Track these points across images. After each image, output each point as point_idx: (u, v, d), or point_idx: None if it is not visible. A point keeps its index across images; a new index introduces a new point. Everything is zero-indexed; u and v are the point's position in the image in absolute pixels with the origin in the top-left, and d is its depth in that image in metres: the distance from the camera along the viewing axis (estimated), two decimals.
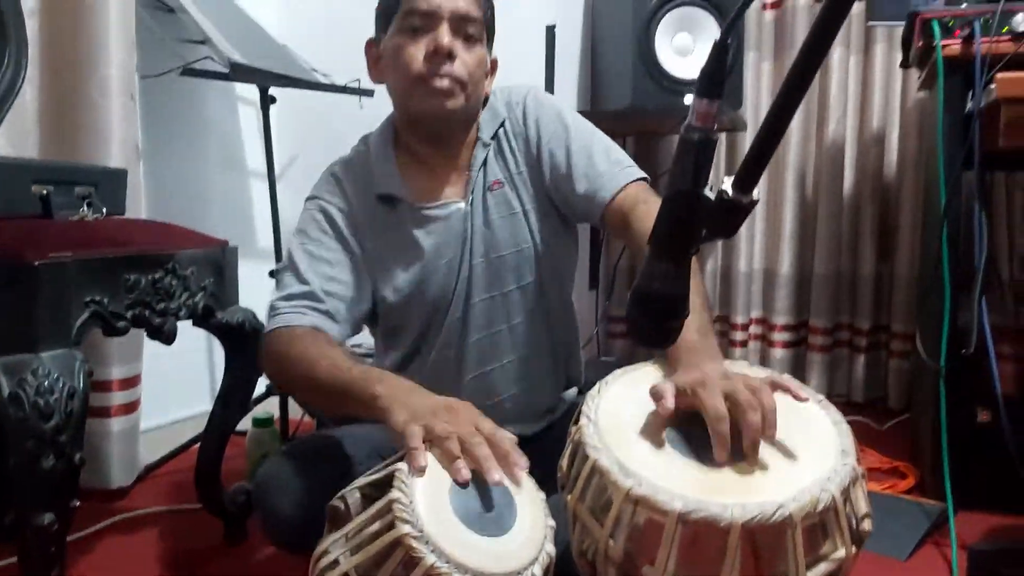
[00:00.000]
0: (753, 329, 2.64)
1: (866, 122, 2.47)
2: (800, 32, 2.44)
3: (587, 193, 1.26)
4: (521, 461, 0.97)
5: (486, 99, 1.35)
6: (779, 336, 2.58)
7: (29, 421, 0.97)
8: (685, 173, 0.68)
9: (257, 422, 1.83)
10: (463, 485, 0.92)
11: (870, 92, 2.45)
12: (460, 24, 1.23)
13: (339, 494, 0.96)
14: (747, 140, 2.54)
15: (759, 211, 2.59)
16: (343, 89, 2.07)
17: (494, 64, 1.34)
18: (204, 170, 2.21)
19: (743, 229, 2.53)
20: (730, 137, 2.58)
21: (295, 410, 2.14)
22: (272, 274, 2.04)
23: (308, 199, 1.34)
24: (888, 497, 1.69)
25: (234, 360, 1.50)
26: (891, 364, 2.49)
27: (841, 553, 0.90)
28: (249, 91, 2.29)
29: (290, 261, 1.28)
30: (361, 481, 0.97)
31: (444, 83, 1.23)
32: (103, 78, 1.64)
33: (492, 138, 1.32)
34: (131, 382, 1.82)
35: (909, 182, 2.42)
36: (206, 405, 2.21)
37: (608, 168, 1.27)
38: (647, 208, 1.20)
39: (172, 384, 2.06)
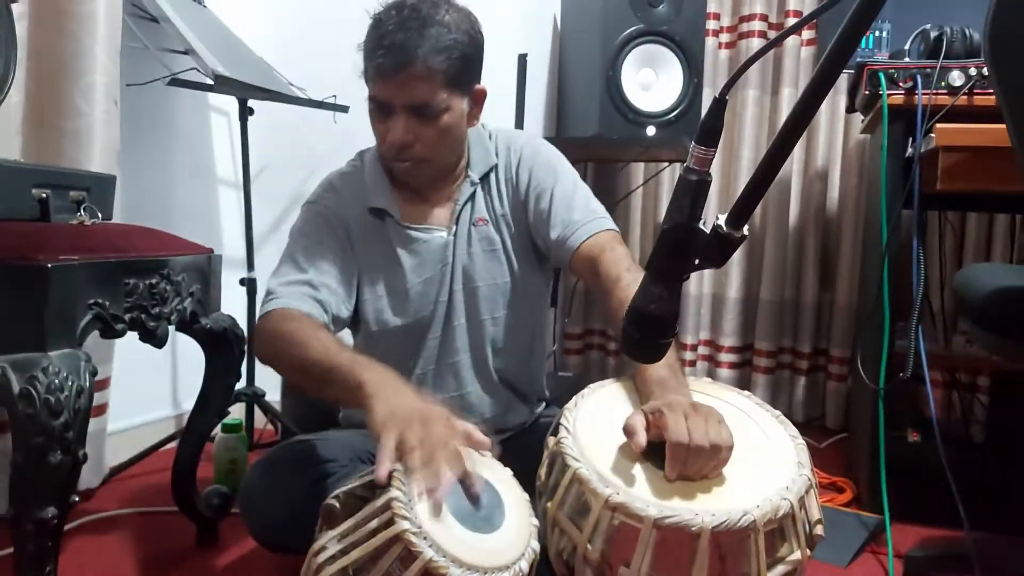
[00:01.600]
0: (701, 350, 2.76)
1: (811, 160, 2.64)
2: (753, 70, 2.60)
3: (559, 239, 1.35)
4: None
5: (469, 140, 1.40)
6: (726, 357, 2.71)
7: (39, 417, 1.00)
8: (682, 208, 0.77)
9: (226, 427, 1.85)
10: (419, 494, 0.93)
11: (815, 132, 2.61)
12: (415, 110, 1.26)
13: (333, 494, 1.01)
14: None
15: None
16: (320, 104, 2.13)
17: (481, 95, 1.35)
18: (174, 177, 2.23)
19: None
20: None
21: (260, 419, 2.17)
22: (243, 282, 2.09)
23: (306, 203, 1.41)
24: (828, 509, 1.81)
25: (215, 365, 1.53)
26: (829, 386, 2.64)
27: (797, 556, 1.00)
28: (220, 101, 2.33)
29: (289, 254, 1.34)
30: (354, 482, 1.02)
31: (405, 166, 1.31)
32: (88, 85, 1.66)
33: (481, 178, 1.40)
34: (101, 384, 1.82)
35: (849, 217, 2.58)
36: (168, 410, 2.23)
37: (582, 217, 1.35)
38: (613, 255, 1.27)
39: (134, 389, 2.06)
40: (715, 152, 0.75)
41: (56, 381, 1.02)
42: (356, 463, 1.28)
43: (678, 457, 0.95)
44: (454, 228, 1.38)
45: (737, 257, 2.66)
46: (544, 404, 1.57)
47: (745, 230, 0.75)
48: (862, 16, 0.61)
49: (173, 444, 1.95)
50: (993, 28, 1.01)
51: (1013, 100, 1.00)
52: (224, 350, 1.51)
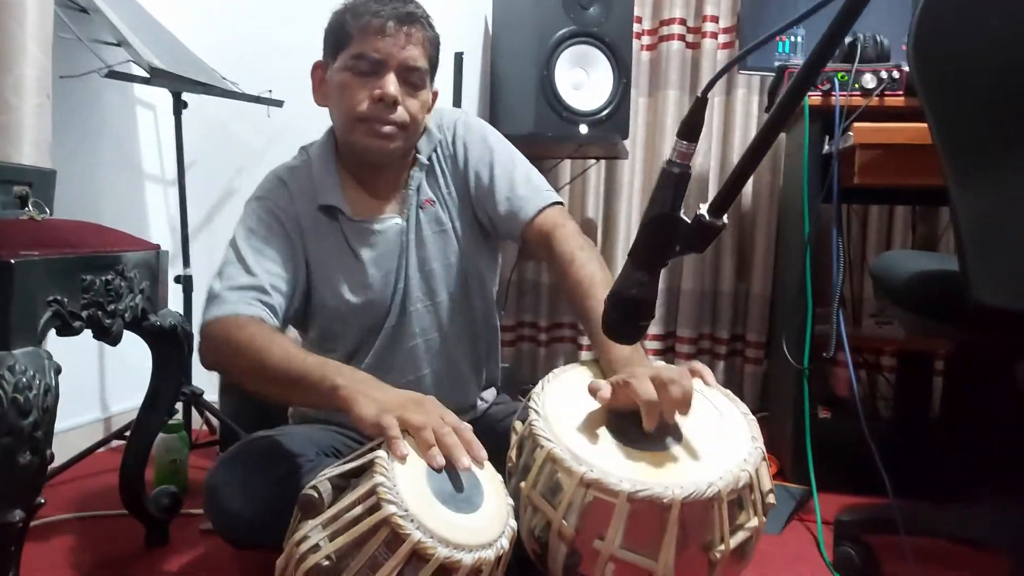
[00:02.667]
0: None
1: (727, 157, 2.77)
2: (673, 71, 2.70)
3: (508, 213, 1.37)
4: (483, 451, 1.07)
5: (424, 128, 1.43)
6: (650, 344, 2.81)
7: (7, 417, 0.98)
8: (665, 199, 0.83)
9: (167, 428, 1.82)
10: (438, 470, 1.02)
11: (731, 131, 2.74)
12: (406, 73, 1.30)
13: (310, 484, 1.02)
14: (625, 167, 2.77)
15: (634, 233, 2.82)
16: (255, 99, 2.10)
17: (434, 95, 1.41)
18: (101, 172, 2.15)
19: (619, 248, 2.76)
20: (610, 164, 2.81)
21: (196, 420, 2.13)
22: (178, 280, 2.04)
23: (254, 199, 1.38)
24: None
25: (163, 364, 1.50)
26: (746, 369, 2.79)
27: (754, 522, 1.08)
28: (147, 94, 2.27)
29: (236, 254, 1.30)
30: (331, 472, 1.04)
31: (387, 128, 1.30)
32: (18, 77, 1.60)
33: (428, 159, 1.41)
34: None
35: (763, 212, 2.73)
36: (96, 413, 2.16)
37: (528, 191, 1.38)
38: (565, 231, 1.32)
39: (62, 392, 1.99)
40: (695, 146, 0.82)
41: (24, 380, 1.00)
42: (322, 457, 1.29)
43: (651, 412, 1.03)
44: (407, 213, 1.39)
45: None
46: (496, 390, 1.60)
47: (725, 219, 0.82)
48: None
49: (105, 448, 1.91)
50: (919, 28, 1.06)
51: (934, 97, 1.08)
52: (173, 347, 1.49)
